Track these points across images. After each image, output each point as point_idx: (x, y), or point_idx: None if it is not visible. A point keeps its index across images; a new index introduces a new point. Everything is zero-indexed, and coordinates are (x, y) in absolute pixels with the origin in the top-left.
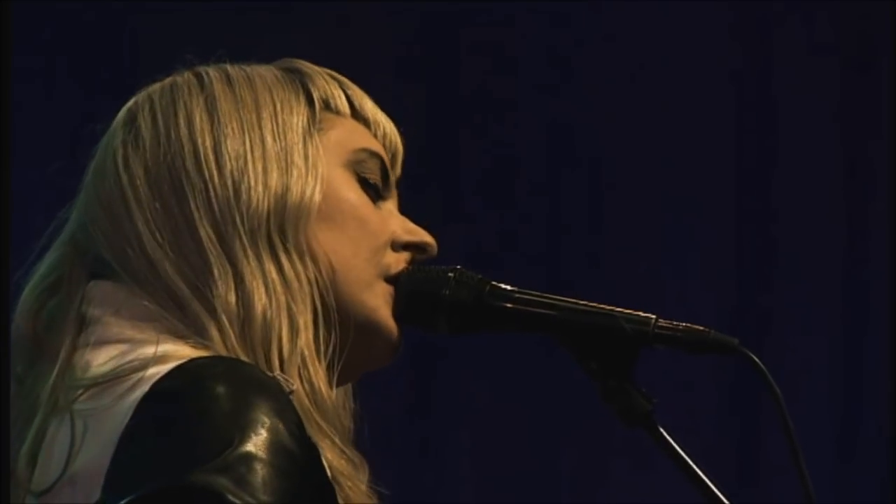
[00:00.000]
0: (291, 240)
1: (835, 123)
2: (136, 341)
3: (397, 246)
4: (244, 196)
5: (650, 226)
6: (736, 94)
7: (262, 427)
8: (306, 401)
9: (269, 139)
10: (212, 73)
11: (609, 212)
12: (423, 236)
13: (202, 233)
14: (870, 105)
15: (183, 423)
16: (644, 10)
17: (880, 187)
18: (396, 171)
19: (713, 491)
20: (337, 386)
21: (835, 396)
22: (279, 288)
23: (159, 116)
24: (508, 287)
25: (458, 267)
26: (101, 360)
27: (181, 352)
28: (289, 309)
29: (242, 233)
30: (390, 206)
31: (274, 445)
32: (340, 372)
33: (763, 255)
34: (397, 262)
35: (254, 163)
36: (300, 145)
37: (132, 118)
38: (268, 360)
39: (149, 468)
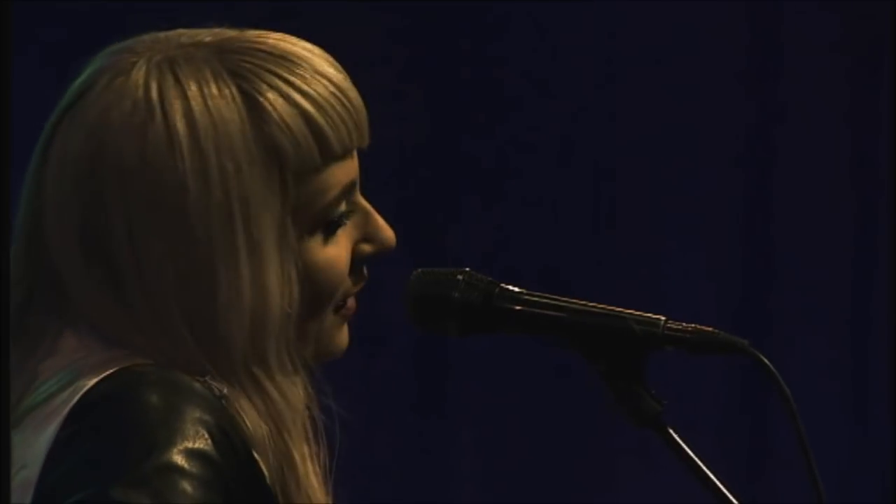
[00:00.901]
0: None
1: (840, 122)
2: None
3: None
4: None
5: (651, 225)
6: (741, 93)
7: (183, 437)
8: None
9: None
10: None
11: (610, 211)
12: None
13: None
14: (875, 104)
15: (106, 435)
16: (646, 9)
17: (885, 186)
18: (364, 142)
19: (723, 492)
20: None
21: (837, 395)
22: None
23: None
24: (517, 289)
25: (467, 269)
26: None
27: (114, 361)
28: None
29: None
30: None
31: (196, 455)
32: None
33: (767, 254)
34: None
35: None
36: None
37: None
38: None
39: (70, 483)
